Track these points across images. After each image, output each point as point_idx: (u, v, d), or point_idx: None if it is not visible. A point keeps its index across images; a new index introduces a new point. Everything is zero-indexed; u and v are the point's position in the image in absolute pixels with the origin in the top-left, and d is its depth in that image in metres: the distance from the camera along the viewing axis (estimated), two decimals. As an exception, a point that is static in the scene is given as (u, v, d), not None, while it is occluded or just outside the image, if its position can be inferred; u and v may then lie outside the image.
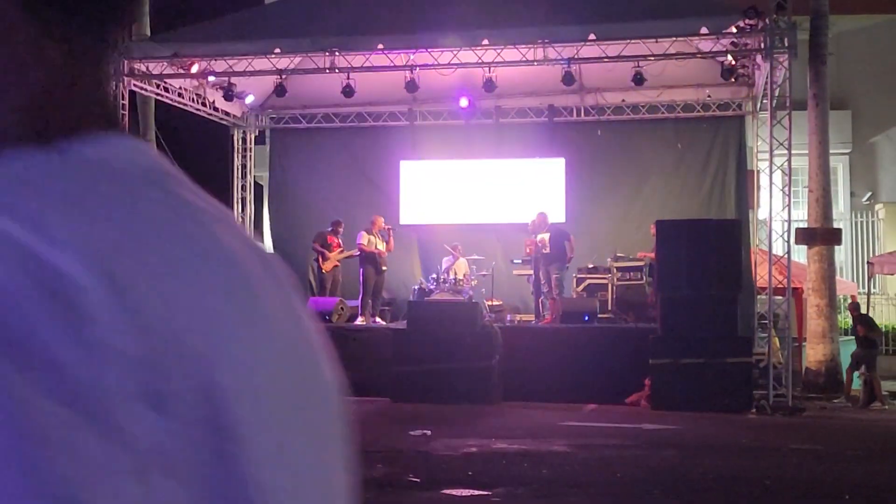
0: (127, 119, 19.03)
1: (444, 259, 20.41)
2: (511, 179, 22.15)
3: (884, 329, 24.17)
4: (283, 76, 19.21)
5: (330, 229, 20.40)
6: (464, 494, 8.87)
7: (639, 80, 18.35)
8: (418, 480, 9.49)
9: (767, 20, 16.74)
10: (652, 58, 17.83)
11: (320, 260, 20.22)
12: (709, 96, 21.15)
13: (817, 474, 10.35)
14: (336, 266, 20.22)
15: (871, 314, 19.03)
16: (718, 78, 18.87)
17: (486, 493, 8.91)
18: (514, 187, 22.09)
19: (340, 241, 20.29)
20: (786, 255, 16.94)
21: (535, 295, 19.53)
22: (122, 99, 18.78)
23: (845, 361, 19.40)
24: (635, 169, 21.93)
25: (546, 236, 19.32)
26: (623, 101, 21.47)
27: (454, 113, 22.05)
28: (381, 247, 19.56)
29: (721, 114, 21.43)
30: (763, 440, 12.77)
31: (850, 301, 18.51)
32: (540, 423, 13.93)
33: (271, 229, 24.71)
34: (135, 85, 19.33)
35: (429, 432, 12.63)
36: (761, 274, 17.74)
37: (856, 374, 18.76)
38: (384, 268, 19.72)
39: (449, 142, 22.44)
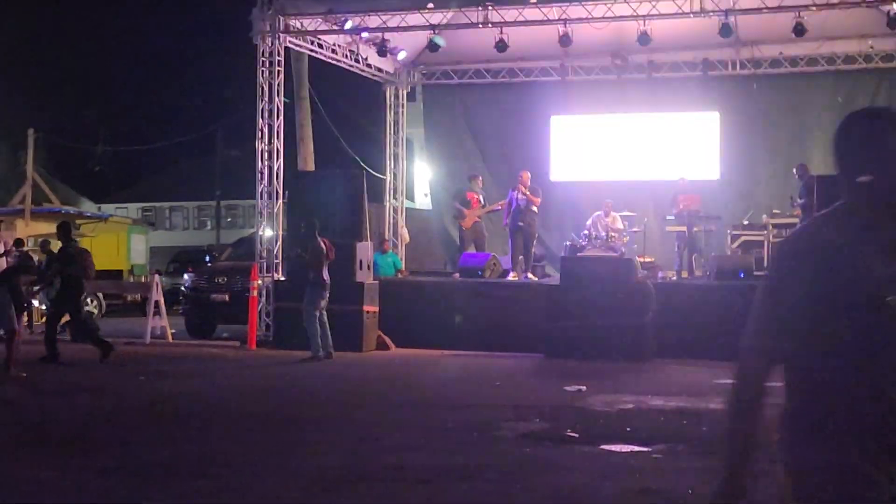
0: (282, 75, 19.25)
1: (594, 215, 20.20)
2: (663, 135, 21.82)
3: None
4: (436, 31, 19.19)
5: (468, 186, 20.35)
6: (624, 450, 8.83)
7: (799, 31, 17.77)
8: (577, 435, 9.49)
9: (938, -35, 16.08)
10: (814, 7, 17.27)
11: (459, 217, 20.19)
12: (871, 47, 20.41)
13: None
14: (476, 222, 20.11)
15: None
16: (883, 27, 18.13)
17: (646, 448, 8.85)
18: (667, 143, 21.77)
19: (480, 196, 20.17)
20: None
21: (689, 252, 19.26)
22: (278, 55, 19.04)
23: None
24: (793, 124, 21.36)
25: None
26: (780, 53, 20.88)
27: (606, 68, 21.79)
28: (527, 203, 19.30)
29: (885, 65, 20.67)
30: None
31: None
32: (694, 381, 13.76)
33: (430, 186, 24.75)
34: (290, 41, 19.57)
35: (584, 388, 12.63)
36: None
37: None
38: (532, 224, 19.50)
39: (600, 97, 22.20)
